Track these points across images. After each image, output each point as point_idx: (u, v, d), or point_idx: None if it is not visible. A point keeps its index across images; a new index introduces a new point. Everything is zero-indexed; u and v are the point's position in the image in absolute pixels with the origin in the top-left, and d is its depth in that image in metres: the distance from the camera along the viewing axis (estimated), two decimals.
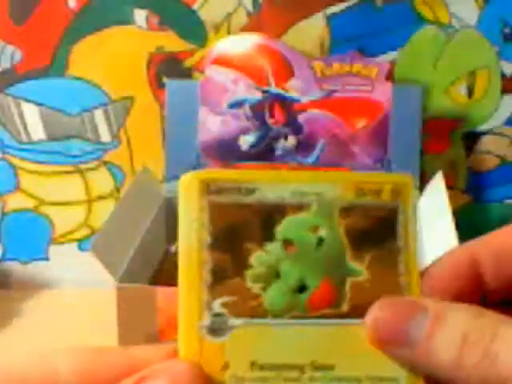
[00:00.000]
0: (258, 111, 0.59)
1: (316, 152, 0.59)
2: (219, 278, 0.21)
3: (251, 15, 0.60)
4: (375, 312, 0.22)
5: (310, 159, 0.59)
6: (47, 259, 0.67)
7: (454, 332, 0.21)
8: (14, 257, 0.67)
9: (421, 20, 0.59)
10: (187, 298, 0.21)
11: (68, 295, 0.65)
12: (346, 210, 0.23)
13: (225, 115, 0.59)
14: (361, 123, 0.58)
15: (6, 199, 0.65)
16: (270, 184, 0.22)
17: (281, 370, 0.22)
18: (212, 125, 0.59)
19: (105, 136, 0.63)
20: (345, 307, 0.22)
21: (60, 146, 0.63)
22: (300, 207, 0.22)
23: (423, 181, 0.58)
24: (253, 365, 0.21)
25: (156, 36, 0.61)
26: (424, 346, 0.22)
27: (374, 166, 0.59)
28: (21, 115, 0.63)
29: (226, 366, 0.21)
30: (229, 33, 0.60)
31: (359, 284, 0.23)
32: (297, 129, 0.59)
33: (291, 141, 0.59)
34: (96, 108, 0.62)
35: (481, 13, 0.59)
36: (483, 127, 0.62)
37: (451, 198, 0.52)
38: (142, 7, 0.60)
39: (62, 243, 0.66)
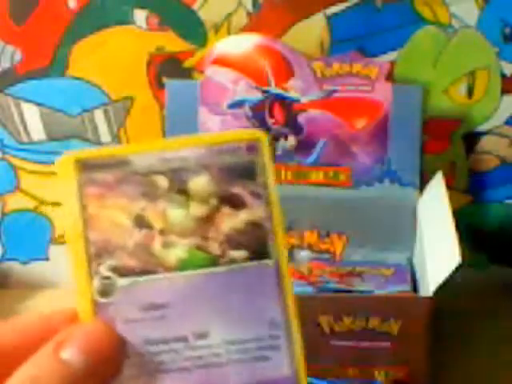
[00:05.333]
0: (257, 111, 0.59)
1: (316, 152, 0.59)
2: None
3: (251, 15, 0.60)
4: None
5: (310, 159, 0.59)
6: (47, 259, 0.67)
7: None
8: (13, 257, 0.67)
9: (421, 20, 0.59)
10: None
11: (68, 295, 0.64)
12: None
13: (225, 115, 0.59)
14: (361, 123, 0.58)
15: (5, 199, 0.65)
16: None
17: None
18: (212, 125, 0.59)
19: (105, 136, 0.63)
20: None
21: (60, 146, 0.63)
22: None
23: (423, 181, 0.58)
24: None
25: (156, 36, 0.61)
26: None
27: (374, 166, 0.59)
28: (21, 115, 0.63)
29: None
30: (229, 33, 0.60)
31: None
32: (297, 129, 0.59)
33: (291, 141, 0.59)
34: (96, 108, 0.62)
35: (481, 13, 0.59)
36: (483, 127, 0.62)
37: (451, 198, 0.52)
38: (142, 7, 0.60)
39: (62, 243, 0.66)
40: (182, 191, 0.25)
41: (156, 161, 0.25)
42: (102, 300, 0.24)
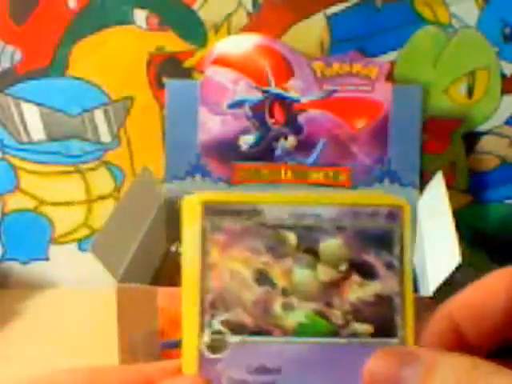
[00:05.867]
0: (257, 111, 0.59)
1: (316, 152, 0.59)
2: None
3: (251, 15, 0.60)
4: (370, 364, 0.22)
5: (310, 159, 0.59)
6: (47, 259, 0.67)
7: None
8: (13, 257, 0.67)
9: (421, 20, 0.59)
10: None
11: (68, 295, 0.65)
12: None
13: (225, 115, 0.59)
14: (361, 123, 0.58)
15: (5, 199, 0.65)
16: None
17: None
18: (212, 125, 0.59)
19: (105, 136, 0.63)
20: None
21: (60, 146, 0.63)
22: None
23: (423, 181, 0.58)
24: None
25: (156, 36, 0.61)
26: None
27: (374, 166, 0.59)
28: (21, 115, 0.63)
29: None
30: (229, 33, 0.60)
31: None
32: (297, 129, 0.59)
33: (291, 141, 0.59)
34: (96, 108, 0.62)
35: (481, 13, 0.59)
36: (483, 127, 0.62)
37: (451, 198, 0.52)
38: (142, 7, 0.60)
39: (62, 243, 0.66)
40: (310, 251, 0.24)
41: (287, 215, 0.24)
42: (210, 355, 0.23)
